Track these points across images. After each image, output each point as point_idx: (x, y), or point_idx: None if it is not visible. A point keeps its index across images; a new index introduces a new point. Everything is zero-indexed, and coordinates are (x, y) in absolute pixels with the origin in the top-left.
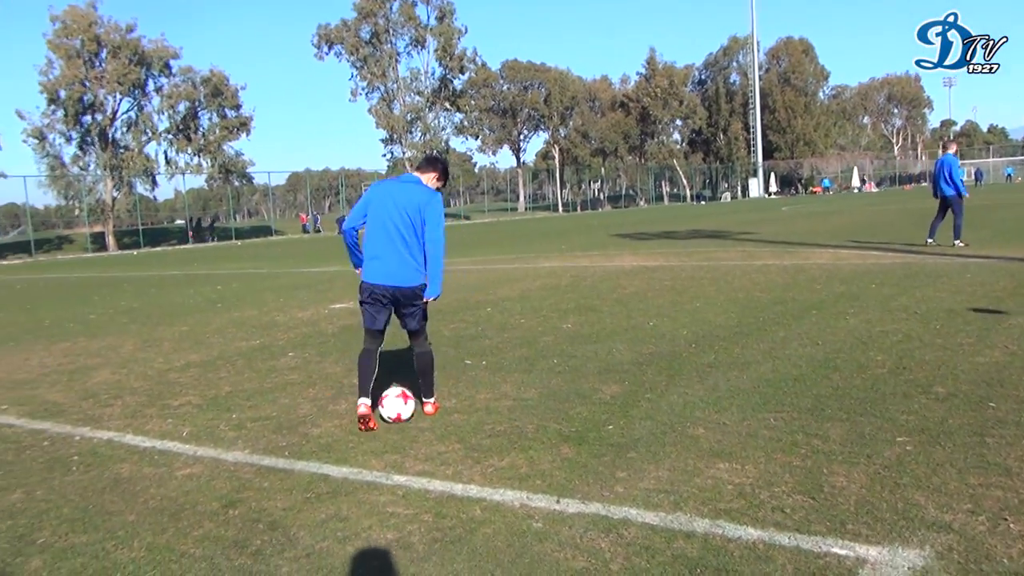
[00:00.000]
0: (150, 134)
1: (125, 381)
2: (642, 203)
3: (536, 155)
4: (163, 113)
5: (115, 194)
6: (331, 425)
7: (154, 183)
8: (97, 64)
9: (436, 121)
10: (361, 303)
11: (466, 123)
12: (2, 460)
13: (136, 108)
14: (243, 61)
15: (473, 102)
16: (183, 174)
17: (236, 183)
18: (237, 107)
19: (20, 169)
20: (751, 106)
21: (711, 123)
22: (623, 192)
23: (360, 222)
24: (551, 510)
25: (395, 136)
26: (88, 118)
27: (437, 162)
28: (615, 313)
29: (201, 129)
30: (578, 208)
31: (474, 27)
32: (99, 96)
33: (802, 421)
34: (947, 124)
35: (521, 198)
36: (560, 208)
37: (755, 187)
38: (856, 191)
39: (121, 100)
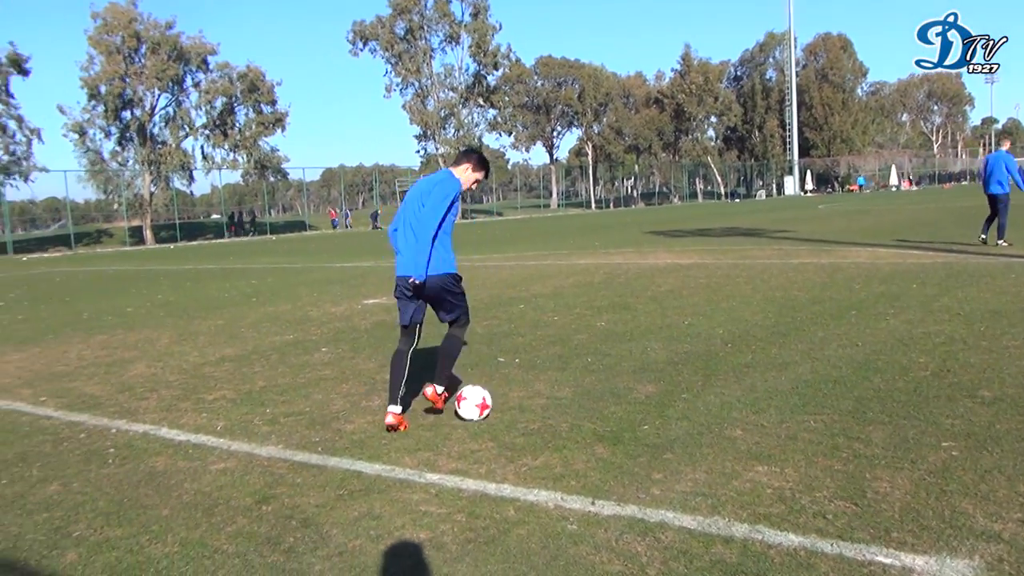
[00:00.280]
0: (187, 129)
1: (161, 374)
2: (676, 200)
3: (569, 152)
4: (200, 109)
5: (153, 189)
6: (364, 421)
7: (191, 178)
8: (136, 60)
9: (470, 117)
10: (396, 299)
11: (499, 119)
12: (40, 452)
13: (174, 104)
14: (279, 57)
15: (507, 98)
16: (219, 169)
17: (271, 178)
18: (273, 103)
19: (61, 164)
20: (787, 103)
21: (746, 120)
22: (656, 189)
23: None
24: (586, 512)
25: (429, 132)
26: (127, 113)
27: (471, 153)
28: (649, 311)
29: (237, 125)
30: (611, 205)
31: (508, 23)
32: (138, 92)
33: (843, 424)
34: (988, 122)
35: (554, 195)
36: (593, 205)
37: (790, 185)
38: (894, 189)
39: (159, 96)
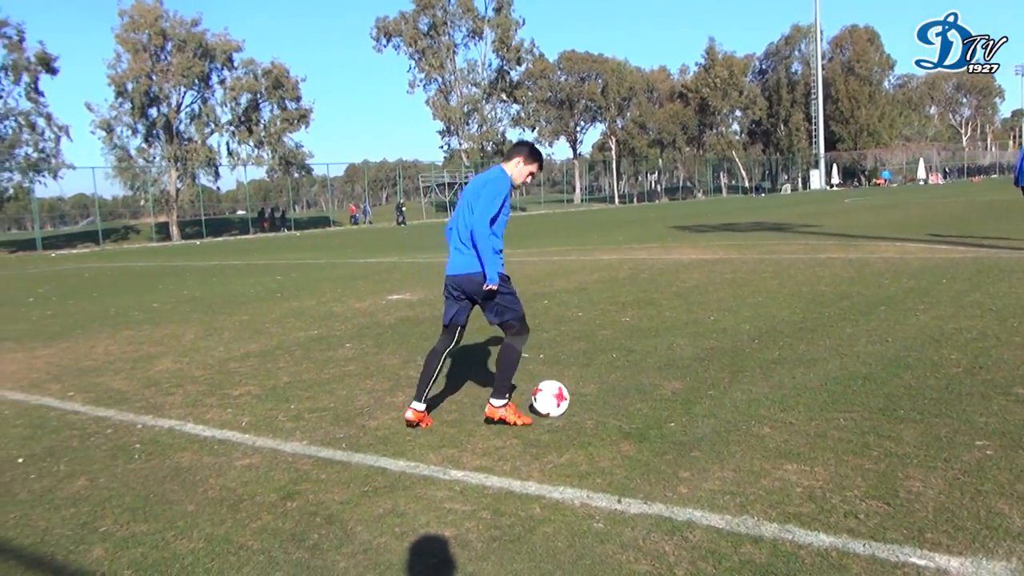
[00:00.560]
0: (213, 126)
1: (186, 370)
2: (700, 195)
3: (593, 147)
4: (225, 105)
5: (179, 185)
6: (388, 417)
7: (217, 174)
8: (163, 57)
9: (493, 113)
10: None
11: (523, 114)
12: (68, 447)
13: (200, 100)
14: (303, 54)
15: (530, 93)
16: (244, 166)
17: (296, 174)
18: (297, 99)
19: (88, 160)
20: (813, 96)
21: (771, 114)
22: (680, 184)
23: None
24: (612, 510)
25: (452, 128)
26: (154, 110)
27: (522, 145)
28: (674, 307)
29: (262, 121)
30: (635, 200)
31: (531, 18)
32: (164, 89)
33: (873, 422)
34: (1019, 114)
35: (577, 190)
36: (616, 200)
37: (816, 179)
38: (921, 183)
39: (185, 93)
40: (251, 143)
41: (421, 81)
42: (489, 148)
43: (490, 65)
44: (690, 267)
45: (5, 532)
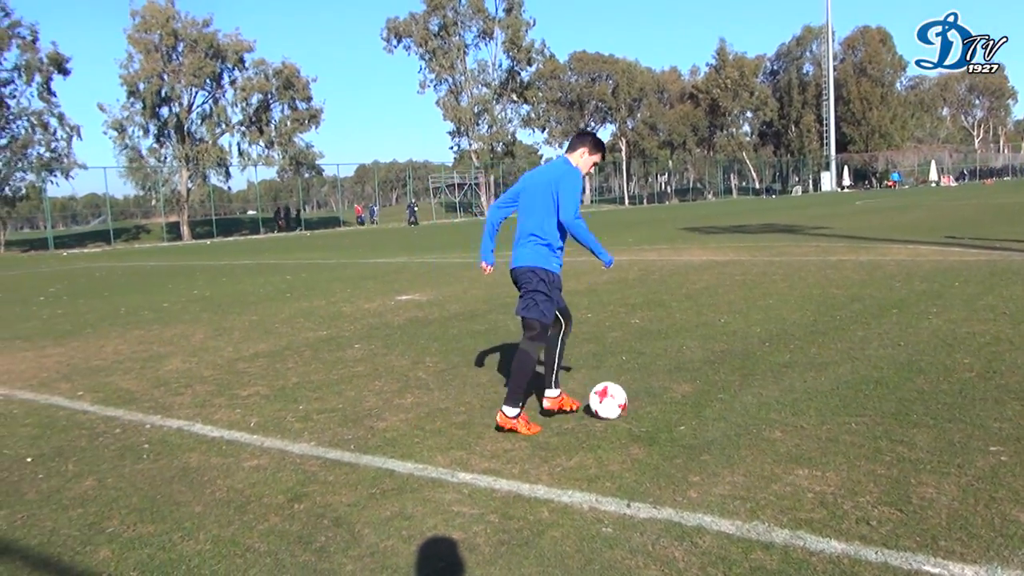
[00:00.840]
0: (224, 126)
1: (195, 370)
2: (710, 196)
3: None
4: (236, 105)
5: (190, 185)
6: (396, 419)
7: (227, 175)
8: (174, 58)
9: (503, 113)
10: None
11: (533, 115)
12: (76, 446)
13: (211, 101)
14: (314, 54)
15: (540, 94)
16: (255, 166)
17: (306, 175)
18: (308, 99)
19: (100, 160)
20: (825, 97)
21: (782, 115)
22: (691, 185)
23: (508, 208)
24: (621, 514)
25: (462, 128)
26: (165, 110)
27: (585, 136)
28: (685, 309)
29: (273, 121)
30: (645, 201)
31: (542, 19)
32: (176, 89)
33: (886, 426)
34: None
35: (587, 191)
36: (627, 201)
37: (827, 180)
38: (933, 185)
39: (196, 93)
40: (262, 143)
41: (431, 82)
42: (499, 149)
43: (500, 66)
44: (700, 269)
45: (13, 532)
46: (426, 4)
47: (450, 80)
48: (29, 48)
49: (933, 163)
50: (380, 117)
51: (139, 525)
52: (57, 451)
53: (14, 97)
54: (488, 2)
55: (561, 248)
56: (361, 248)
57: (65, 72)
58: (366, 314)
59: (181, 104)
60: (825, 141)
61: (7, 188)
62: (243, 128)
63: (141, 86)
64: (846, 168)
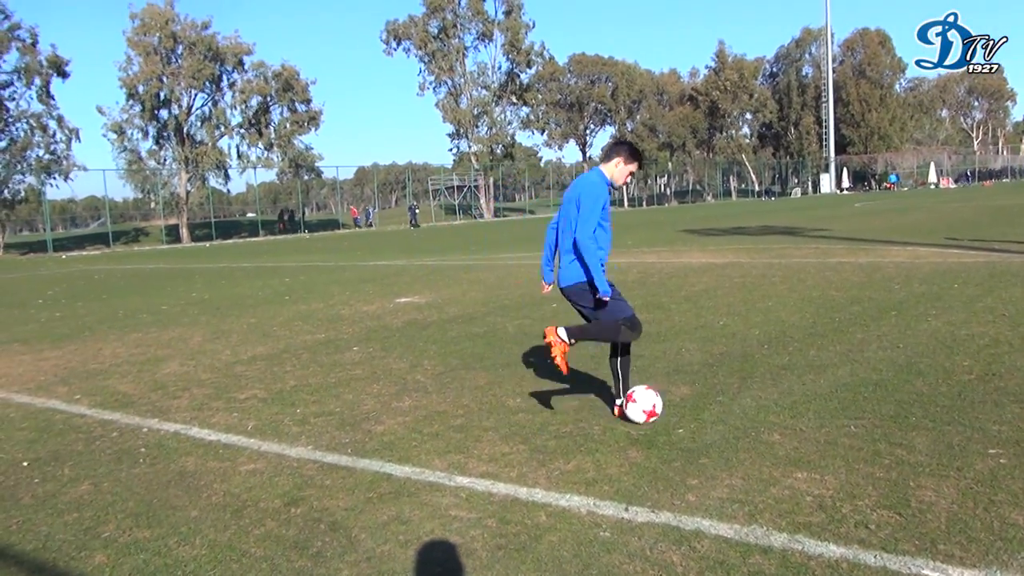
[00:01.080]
0: (223, 129)
1: (193, 373)
2: (709, 198)
3: (602, 149)
4: (236, 108)
5: (189, 187)
6: (394, 422)
7: (227, 177)
8: (173, 60)
9: (502, 115)
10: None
11: (532, 117)
12: (73, 450)
13: (210, 103)
14: (313, 56)
15: (540, 96)
16: (254, 168)
17: (305, 177)
18: (307, 102)
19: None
20: (824, 99)
21: (782, 117)
22: (690, 187)
23: (556, 225)
24: (619, 518)
25: (461, 130)
26: (164, 113)
27: (621, 145)
28: (684, 311)
29: (272, 123)
30: (644, 203)
31: (541, 21)
32: (175, 91)
33: (884, 429)
34: None
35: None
36: (626, 203)
37: (826, 182)
38: (932, 187)
39: (196, 95)
40: (261, 145)
41: (431, 84)
42: (498, 151)
43: (500, 68)
44: (699, 271)
45: (7, 537)
46: (426, 6)
47: (450, 82)
48: (29, 51)
49: (932, 165)
50: (379, 119)
51: (135, 530)
52: (53, 455)
53: (14, 100)
54: (487, 4)
55: (598, 256)
56: (360, 250)
57: (64, 75)
58: (364, 317)
59: (180, 106)
60: (824, 143)
61: (6, 191)
62: (242, 130)
63: (140, 88)
64: (845, 170)
